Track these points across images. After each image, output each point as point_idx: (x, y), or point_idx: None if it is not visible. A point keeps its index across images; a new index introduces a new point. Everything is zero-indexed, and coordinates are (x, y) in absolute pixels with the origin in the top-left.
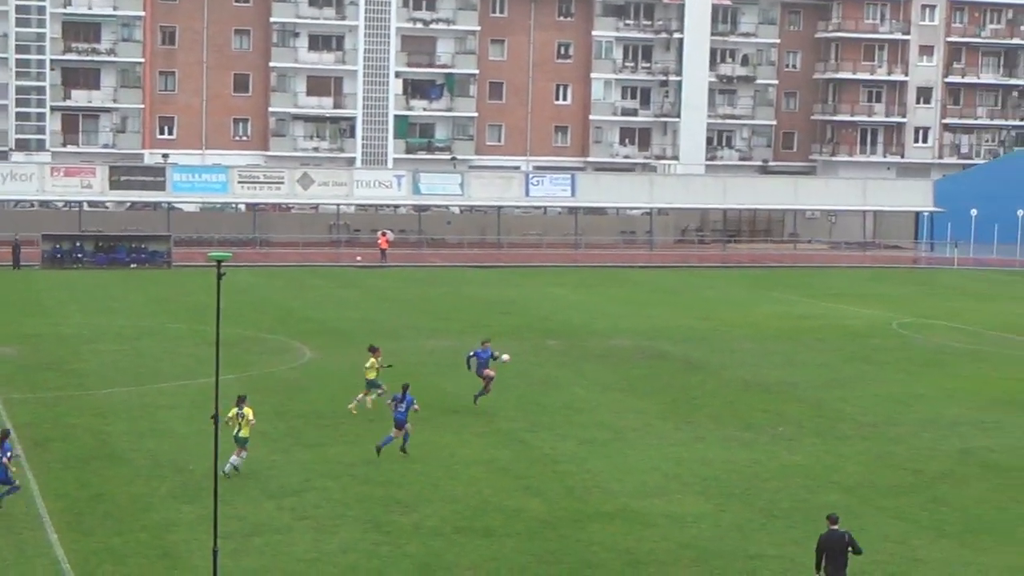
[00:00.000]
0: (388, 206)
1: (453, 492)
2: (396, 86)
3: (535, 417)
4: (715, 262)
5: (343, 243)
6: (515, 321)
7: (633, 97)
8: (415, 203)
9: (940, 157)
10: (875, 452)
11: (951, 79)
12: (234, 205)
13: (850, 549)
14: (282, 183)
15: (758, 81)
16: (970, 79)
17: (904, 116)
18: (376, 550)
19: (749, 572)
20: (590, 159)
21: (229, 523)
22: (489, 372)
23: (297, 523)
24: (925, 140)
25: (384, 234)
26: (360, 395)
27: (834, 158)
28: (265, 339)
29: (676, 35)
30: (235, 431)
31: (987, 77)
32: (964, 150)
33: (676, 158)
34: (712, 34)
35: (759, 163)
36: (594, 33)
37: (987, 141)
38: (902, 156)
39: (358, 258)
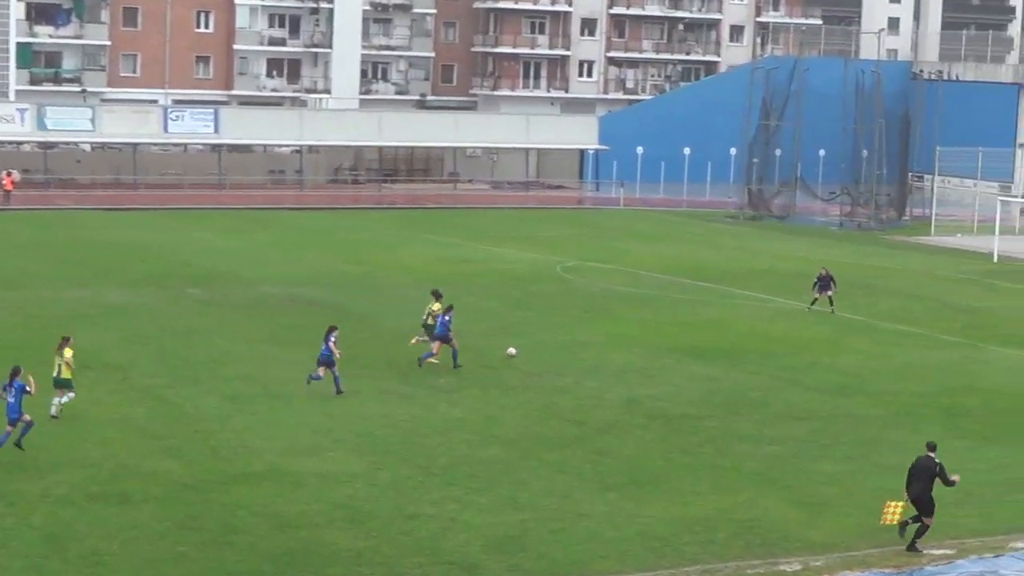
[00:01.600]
0: (10, 143)
1: (85, 456)
2: (18, 10)
3: (175, 372)
4: (370, 203)
5: None
6: (152, 268)
7: (281, 25)
8: (41, 140)
9: (605, 92)
10: (539, 403)
11: (616, 10)
12: None
13: (938, 478)
14: None
15: (415, 10)
16: (635, 11)
17: (568, 49)
18: None
19: (407, 532)
20: (235, 92)
21: None
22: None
23: None
24: (590, 74)
25: (9, 174)
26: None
27: (496, 92)
28: None
29: None
30: (55, 374)
31: (652, 9)
32: (630, 85)
33: (328, 92)
34: None
35: (417, 97)
36: None
37: (653, 76)
38: (566, 91)
39: None
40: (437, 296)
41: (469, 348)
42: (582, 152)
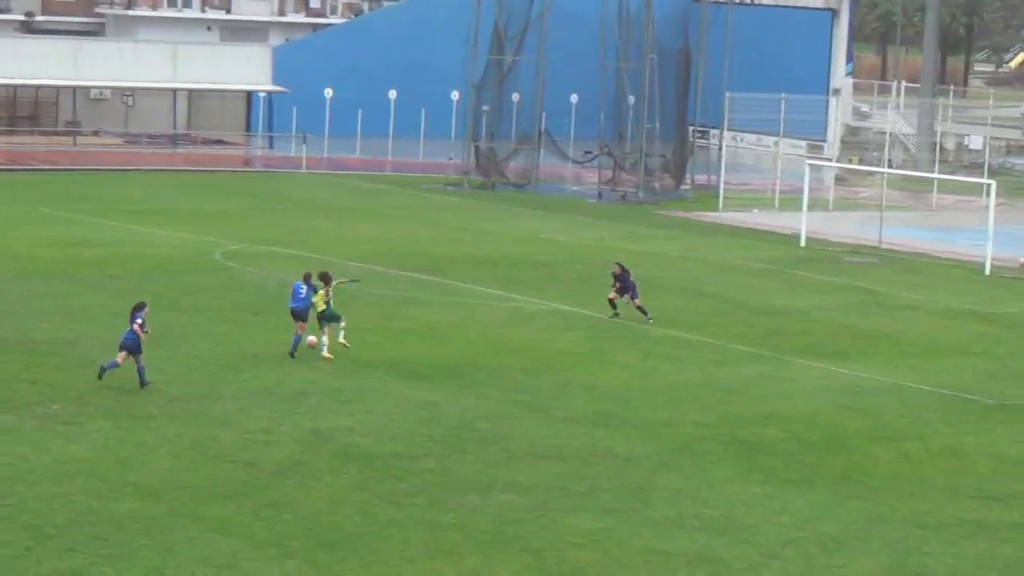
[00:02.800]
0: None
1: None
2: None
3: None
4: None
5: None
6: None
7: None
8: None
9: (282, 13)
10: (191, 439)
11: None
12: None
13: None
14: None
15: None
16: None
17: None
18: None
19: None
20: None
21: None
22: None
23: None
24: None
25: None
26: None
27: (131, 12)
28: None
29: None
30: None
31: None
32: (314, 4)
33: None
34: None
35: (20, 17)
36: None
37: None
38: (227, 11)
39: None
40: (326, 281)
41: (91, 364)
42: (250, 95)
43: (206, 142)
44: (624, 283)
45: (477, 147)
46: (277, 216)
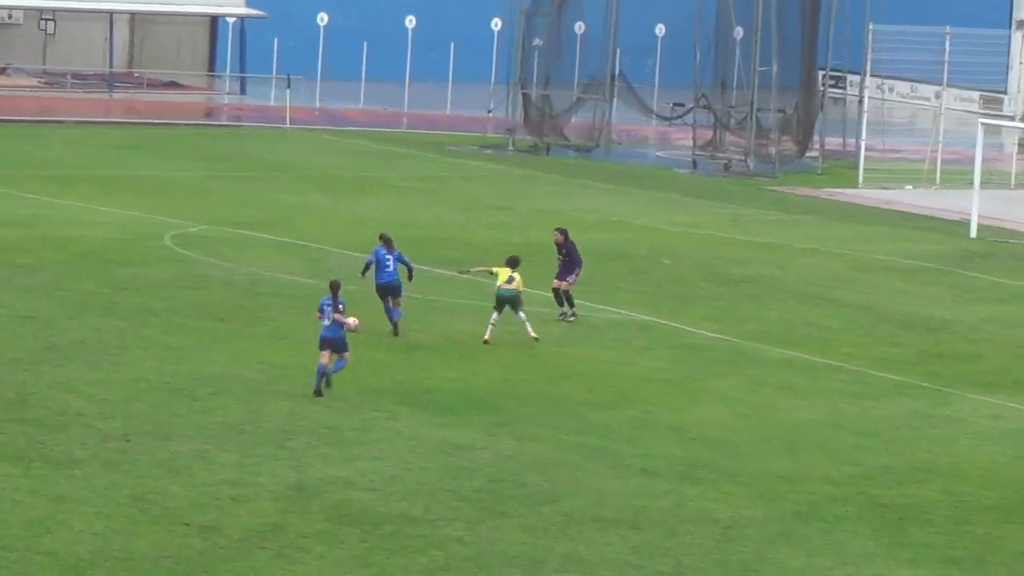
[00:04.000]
0: None
1: None
2: None
3: None
4: None
5: None
6: None
7: None
8: None
9: None
10: (130, 491)
11: None
12: None
13: None
14: None
15: None
16: None
17: None
18: None
19: None
20: None
21: None
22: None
23: None
24: None
25: None
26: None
27: None
28: None
29: None
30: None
31: None
32: None
33: None
34: None
35: None
36: None
37: None
38: None
39: None
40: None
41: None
42: (215, 21)
43: (154, 85)
44: (571, 257)
45: (526, 96)
46: (250, 188)
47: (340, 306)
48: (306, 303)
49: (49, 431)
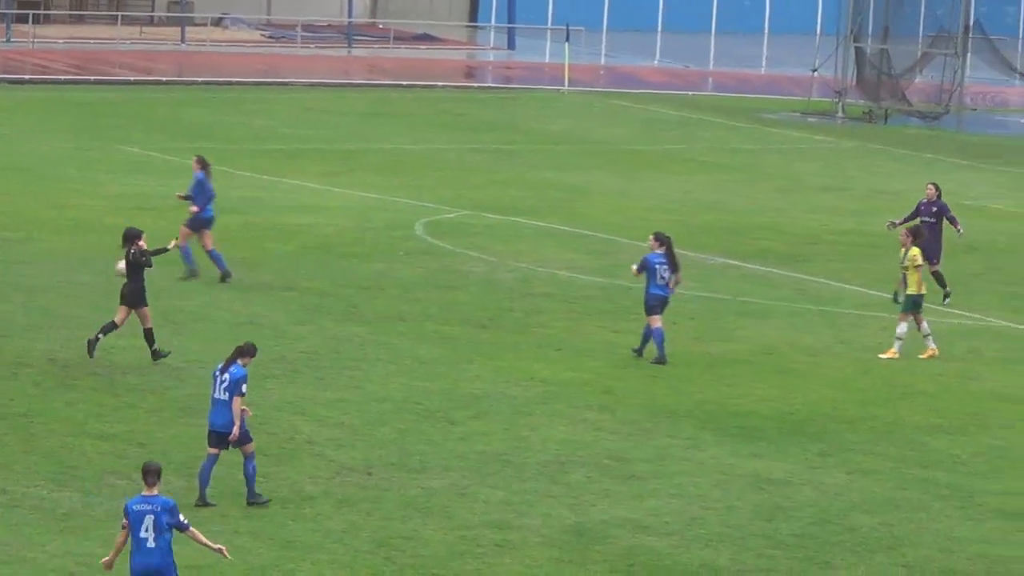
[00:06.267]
0: None
1: None
2: None
3: None
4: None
5: None
6: None
7: None
8: None
9: None
10: (372, 536)
11: None
12: None
13: None
14: None
15: None
16: None
17: None
18: None
19: None
20: None
21: None
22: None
23: None
24: None
25: None
26: None
27: None
28: None
29: None
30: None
31: None
32: None
33: None
34: None
35: None
36: None
37: None
38: None
39: None
40: None
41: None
42: None
43: (403, 39)
44: (930, 234)
45: (859, 51)
46: (520, 164)
47: (242, 387)
48: (587, 306)
49: (275, 462)
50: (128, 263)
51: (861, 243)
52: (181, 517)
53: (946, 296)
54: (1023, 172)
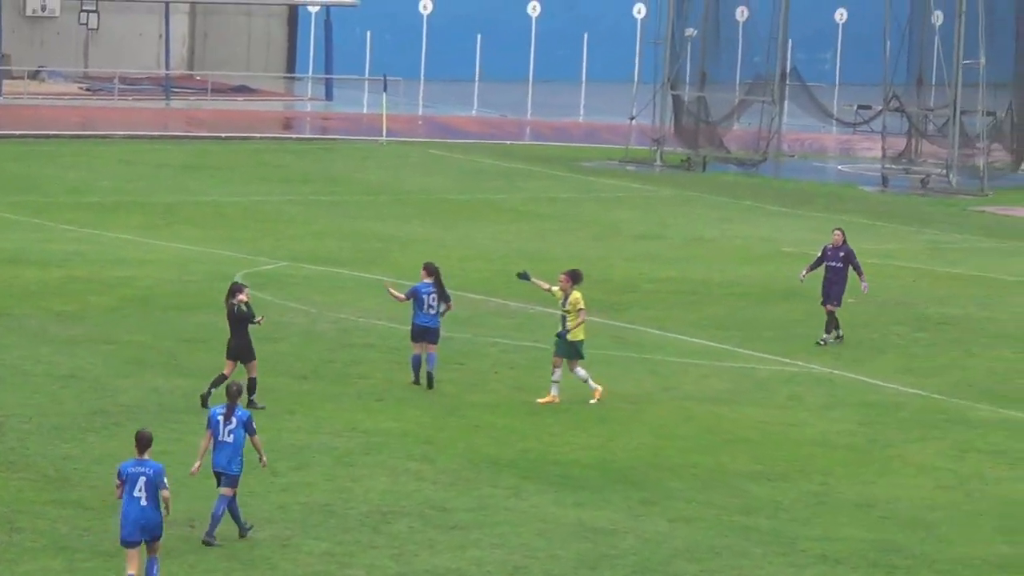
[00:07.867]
0: None
1: None
2: None
3: None
4: None
5: None
6: None
7: None
8: None
9: None
10: None
11: None
12: None
13: None
14: None
15: None
16: None
17: None
18: None
19: None
20: None
21: None
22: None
23: None
24: None
25: None
26: None
27: None
28: None
29: None
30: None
31: None
32: None
33: None
34: None
35: None
36: None
37: None
38: None
39: None
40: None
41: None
42: (294, 11)
43: (220, 90)
44: (834, 276)
45: (677, 99)
46: (338, 215)
47: (253, 424)
48: (407, 356)
49: (96, 516)
50: (231, 317)
51: (680, 290)
52: (165, 480)
53: (838, 338)
54: (837, 218)
